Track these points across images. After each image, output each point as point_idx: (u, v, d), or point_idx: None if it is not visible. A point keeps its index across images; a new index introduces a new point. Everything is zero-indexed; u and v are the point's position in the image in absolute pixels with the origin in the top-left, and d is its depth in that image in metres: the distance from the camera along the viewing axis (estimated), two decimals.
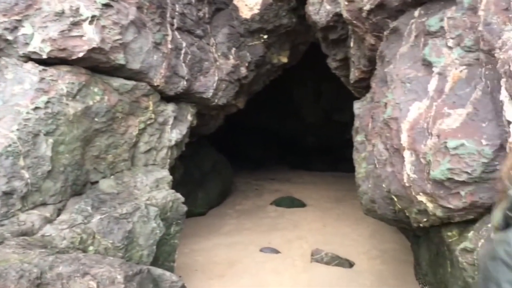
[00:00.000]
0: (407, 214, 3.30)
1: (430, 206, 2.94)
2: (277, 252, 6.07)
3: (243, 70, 5.88)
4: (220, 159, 8.42)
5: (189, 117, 5.43)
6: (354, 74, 5.08)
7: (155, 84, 4.74)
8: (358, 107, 5.12)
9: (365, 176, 4.37)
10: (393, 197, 3.34)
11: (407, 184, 3.05)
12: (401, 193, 3.18)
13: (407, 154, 3.02)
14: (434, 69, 2.99)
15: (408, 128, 3.01)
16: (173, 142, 5.09)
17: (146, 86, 4.67)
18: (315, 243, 6.28)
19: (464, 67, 2.85)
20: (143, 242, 4.02)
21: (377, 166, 3.52)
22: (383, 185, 3.44)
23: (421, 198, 2.97)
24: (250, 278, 5.19)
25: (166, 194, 4.46)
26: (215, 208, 7.96)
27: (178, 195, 4.61)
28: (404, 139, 3.02)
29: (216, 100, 5.60)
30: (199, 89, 5.32)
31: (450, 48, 2.94)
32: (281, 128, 12.46)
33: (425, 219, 3.12)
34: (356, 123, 5.06)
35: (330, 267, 5.56)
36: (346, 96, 11.82)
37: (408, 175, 3.02)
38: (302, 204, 8.34)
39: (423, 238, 4.21)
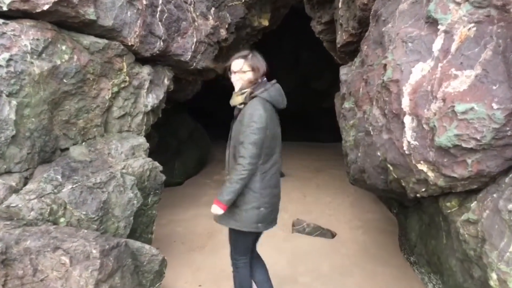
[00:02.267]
0: (403, 184, 3.10)
1: (431, 175, 2.74)
2: None
3: (223, 32, 5.50)
4: (196, 127, 8.08)
5: (166, 81, 5.05)
6: (341, 38, 4.79)
7: (130, 43, 4.32)
8: (345, 72, 4.86)
9: (353, 145, 4.15)
10: (389, 166, 3.13)
11: (406, 152, 2.83)
12: (398, 161, 2.96)
13: (407, 119, 2.79)
14: (439, 27, 2.73)
15: (410, 91, 2.76)
16: (149, 108, 4.72)
17: (119, 45, 4.25)
18: (296, 213, 6.10)
19: (473, 24, 2.60)
20: (120, 213, 3.70)
21: (372, 133, 3.29)
22: (378, 153, 3.22)
23: (422, 166, 2.76)
24: None
25: (143, 163, 4.12)
26: (192, 178, 7.68)
27: (156, 163, 4.29)
28: (406, 103, 2.78)
29: (194, 64, 5.22)
30: (177, 51, 4.92)
31: (457, 3, 2.67)
32: None
33: (423, 189, 2.92)
34: (343, 89, 4.81)
35: (312, 238, 5.41)
36: (324, 64, 11.57)
37: (409, 142, 2.79)
38: (280, 174, 8.15)
39: (413, 208, 4.05)
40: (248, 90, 2.89)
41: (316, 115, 11.68)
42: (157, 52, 4.67)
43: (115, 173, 3.77)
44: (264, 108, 2.79)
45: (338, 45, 4.89)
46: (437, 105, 2.62)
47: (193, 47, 5.07)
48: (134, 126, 4.64)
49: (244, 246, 3.07)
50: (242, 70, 2.91)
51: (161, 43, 4.67)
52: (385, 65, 2.96)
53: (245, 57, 2.97)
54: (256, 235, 3.10)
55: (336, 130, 11.87)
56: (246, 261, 3.12)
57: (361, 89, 3.88)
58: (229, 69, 3.01)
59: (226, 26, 5.52)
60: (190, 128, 7.70)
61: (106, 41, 4.15)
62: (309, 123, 11.61)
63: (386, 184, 3.73)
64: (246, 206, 2.83)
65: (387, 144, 3.06)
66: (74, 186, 3.55)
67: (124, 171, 3.90)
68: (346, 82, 4.57)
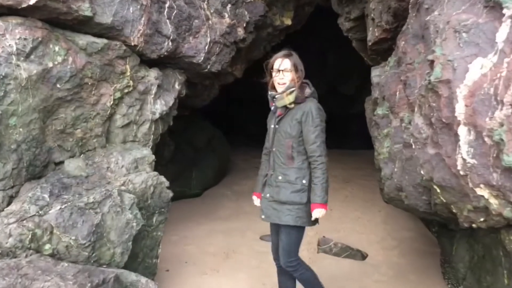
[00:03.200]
0: (453, 210, 2.45)
1: (494, 203, 2.09)
2: None
3: (240, 32, 4.94)
4: (215, 134, 7.55)
5: (177, 86, 4.53)
6: (373, 34, 4.16)
7: (133, 43, 3.81)
8: (377, 74, 4.22)
9: (388, 158, 3.51)
10: (435, 187, 2.49)
11: (461, 172, 2.19)
12: (449, 183, 2.32)
13: (463, 131, 2.15)
14: (504, 11, 2.09)
15: (466, 95, 2.13)
16: (157, 115, 4.21)
17: (121, 45, 3.75)
18: (322, 230, 5.46)
19: None
20: (115, 238, 3.18)
21: (413, 146, 2.65)
22: (421, 171, 2.58)
23: (482, 191, 2.12)
24: (249, 272, 4.39)
25: (146, 178, 3.60)
26: (211, 189, 7.14)
27: (162, 178, 3.75)
28: (460, 110, 2.14)
29: (208, 66, 4.68)
30: (188, 52, 4.39)
31: None
32: None
33: (482, 219, 2.27)
34: (375, 93, 4.17)
35: (340, 259, 4.76)
36: (351, 67, 10.89)
37: (464, 159, 2.16)
38: None
39: (462, 234, 3.37)
40: (295, 89, 2.93)
41: (343, 121, 11.00)
42: (165, 53, 4.16)
43: (112, 191, 3.25)
44: (321, 107, 2.96)
45: (370, 43, 4.27)
46: (503, 112, 1.98)
47: (206, 48, 4.53)
48: (141, 135, 4.13)
49: (299, 244, 3.08)
50: (289, 69, 2.96)
51: (170, 44, 4.15)
52: (431, 61, 2.33)
53: (290, 55, 3.01)
54: None
55: (365, 136, 11.16)
56: (300, 260, 3.11)
57: (397, 93, 3.24)
58: (271, 67, 3.04)
59: (244, 25, 4.96)
60: (208, 135, 7.18)
61: (105, 41, 3.65)
62: (337, 130, 10.91)
63: (429, 206, 3.08)
64: (307, 201, 2.90)
65: (434, 160, 2.43)
66: (63, 206, 3.05)
67: (123, 188, 3.38)
68: (379, 85, 3.94)
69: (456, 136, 2.20)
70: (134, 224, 3.27)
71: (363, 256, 4.85)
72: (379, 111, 3.77)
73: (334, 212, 6.25)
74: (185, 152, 6.62)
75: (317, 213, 2.89)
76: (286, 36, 6.51)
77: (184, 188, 6.57)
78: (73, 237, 2.98)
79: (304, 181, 2.92)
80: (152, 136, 4.22)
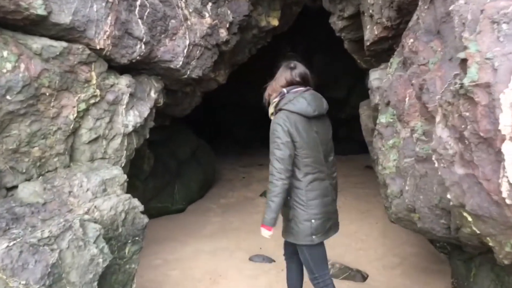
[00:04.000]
0: (490, 243, 1.96)
1: None
2: (270, 260, 4.73)
3: (223, 33, 4.42)
4: (200, 144, 6.99)
5: (153, 94, 3.98)
6: (371, 33, 3.67)
7: (98, 47, 3.26)
8: (376, 77, 3.74)
9: (396, 173, 3.01)
10: (466, 215, 1.99)
11: (507, 201, 1.69)
12: (487, 212, 1.82)
13: (509, 148, 1.66)
14: None
15: None
16: (130, 128, 3.65)
17: (84, 49, 3.19)
18: None
19: None
20: (77, 279, 2.61)
21: (436, 164, 2.14)
22: (448, 195, 2.07)
23: None
24: None
25: (116, 202, 3.04)
26: (195, 203, 6.56)
27: (135, 202, 3.19)
28: (505, 122, 1.64)
29: (188, 72, 4.14)
30: (164, 57, 3.85)
31: None
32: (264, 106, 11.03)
33: None
34: (375, 98, 3.68)
35: (339, 282, 4.24)
36: (340, 70, 10.44)
37: (511, 184, 1.66)
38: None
39: (483, 260, 2.88)
40: (276, 100, 2.81)
41: (333, 125, 10.53)
42: (138, 58, 3.61)
43: (73, 221, 2.68)
44: (288, 121, 2.66)
45: (367, 43, 3.79)
46: None
47: (185, 51, 4.00)
48: (111, 152, 3.57)
49: (316, 261, 2.87)
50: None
51: (143, 47, 3.60)
52: (463, 61, 1.83)
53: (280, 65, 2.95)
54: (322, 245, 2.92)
55: (355, 141, 10.71)
56: (328, 277, 2.92)
57: (407, 99, 2.75)
58: None
59: (227, 26, 4.44)
60: (192, 146, 6.62)
61: (65, 44, 3.09)
62: None
63: (448, 231, 2.59)
64: (298, 219, 2.75)
65: (465, 183, 1.92)
66: (11, 244, 2.47)
67: (87, 217, 2.81)
68: (380, 89, 3.45)
69: (498, 155, 1.70)
70: (100, 260, 2.70)
71: (363, 277, 4.35)
72: (382, 119, 3.27)
73: None
74: (167, 164, 6.05)
75: (262, 231, 2.80)
76: (273, 38, 6.01)
77: (166, 203, 6.01)
78: (23, 282, 2.41)
79: (288, 197, 2.78)
80: (124, 152, 3.66)
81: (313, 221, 2.72)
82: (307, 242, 2.75)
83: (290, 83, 2.82)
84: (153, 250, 4.87)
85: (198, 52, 4.15)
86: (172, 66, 3.94)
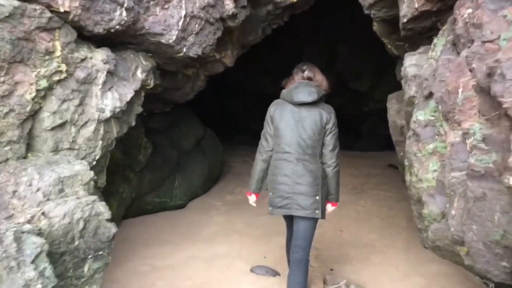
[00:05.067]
0: None
1: None
2: (274, 274, 3.99)
3: (229, 5, 3.65)
4: (206, 133, 6.27)
5: (139, 74, 3.27)
6: (411, 6, 2.86)
7: (62, 9, 2.55)
8: (412, 62, 2.95)
9: (436, 188, 2.23)
10: None
11: None
12: None
13: None
14: None
15: None
16: (107, 113, 2.95)
17: (43, 11, 2.49)
18: (329, 260, 4.21)
19: None
20: None
21: (510, 182, 1.37)
22: None
23: None
24: None
25: (72, 207, 2.35)
26: (197, 199, 5.86)
27: (100, 206, 2.48)
28: None
29: (184, 50, 3.41)
30: (153, 28, 3.12)
31: None
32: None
33: None
34: (410, 89, 2.89)
35: None
36: (364, 61, 9.57)
37: None
38: None
39: None
40: None
41: (355, 120, 9.69)
42: (118, 27, 2.89)
43: (4, 234, 2.01)
44: (274, 104, 3.05)
45: (404, 20, 2.98)
46: None
47: (180, 23, 3.26)
48: (82, 141, 2.88)
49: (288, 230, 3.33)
50: None
51: (124, 13, 2.88)
52: None
53: None
54: None
55: (378, 137, 9.83)
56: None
57: (460, 90, 1.96)
58: None
59: None
60: (197, 135, 5.91)
61: (16, 2, 2.40)
62: (348, 129, 9.60)
63: (510, 276, 1.82)
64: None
65: None
66: None
67: (27, 227, 2.12)
68: (419, 78, 2.66)
69: None
70: (39, 286, 2.02)
71: None
72: (420, 116, 2.49)
73: (345, 234, 4.98)
74: (167, 155, 5.37)
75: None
76: (291, 18, 5.22)
77: (165, 198, 5.34)
78: None
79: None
80: (100, 142, 2.97)
81: (270, 193, 2.99)
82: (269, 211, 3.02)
83: (291, 80, 3.09)
84: (142, 253, 4.21)
85: (197, 26, 3.40)
86: (163, 40, 3.21)
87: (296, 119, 2.94)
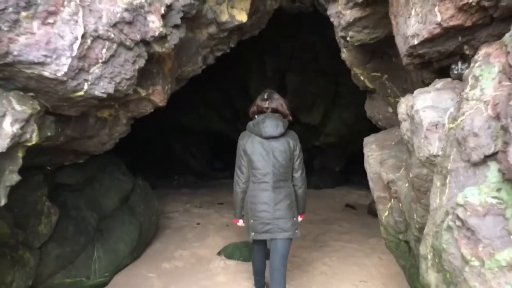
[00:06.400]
0: None
1: None
2: None
3: (154, 22, 2.51)
4: (136, 185, 4.95)
5: (9, 126, 2.02)
6: (428, 22, 1.88)
7: None
8: (429, 103, 2.02)
9: (447, 281, 1.17)
10: None
11: None
12: None
13: None
14: None
15: None
16: None
17: None
18: None
19: None
20: None
21: None
22: None
23: None
24: None
25: None
26: (125, 271, 4.46)
27: None
28: None
29: (84, 86, 2.19)
30: (27, 55, 1.91)
31: None
32: (230, 131, 9.13)
33: None
34: (430, 144, 1.90)
35: None
36: (314, 92, 8.76)
37: None
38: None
39: None
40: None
41: (306, 155, 8.74)
42: None
43: None
44: (243, 137, 3.19)
45: (414, 43, 1.96)
46: None
47: (75, 47, 2.06)
48: None
49: (256, 255, 3.51)
50: None
51: None
52: None
53: None
54: None
55: (330, 171, 8.93)
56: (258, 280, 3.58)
57: None
58: None
59: (162, 10, 2.55)
60: (123, 191, 4.58)
61: None
62: None
63: None
64: (247, 216, 3.20)
65: None
66: None
67: None
68: (443, 127, 1.65)
69: None
70: None
71: None
72: (471, 195, 1.46)
73: None
74: (83, 220, 4.01)
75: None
76: (239, 44, 4.16)
77: (79, 277, 3.95)
78: None
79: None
80: None
81: (251, 220, 3.13)
82: (249, 237, 3.20)
83: (261, 111, 3.19)
84: None
85: (104, 50, 2.22)
86: (46, 73, 1.98)
87: (267, 150, 3.08)
